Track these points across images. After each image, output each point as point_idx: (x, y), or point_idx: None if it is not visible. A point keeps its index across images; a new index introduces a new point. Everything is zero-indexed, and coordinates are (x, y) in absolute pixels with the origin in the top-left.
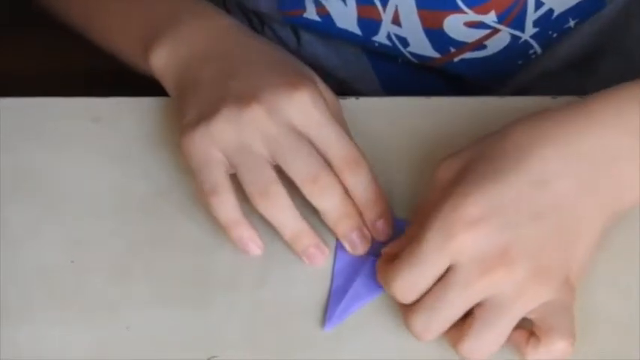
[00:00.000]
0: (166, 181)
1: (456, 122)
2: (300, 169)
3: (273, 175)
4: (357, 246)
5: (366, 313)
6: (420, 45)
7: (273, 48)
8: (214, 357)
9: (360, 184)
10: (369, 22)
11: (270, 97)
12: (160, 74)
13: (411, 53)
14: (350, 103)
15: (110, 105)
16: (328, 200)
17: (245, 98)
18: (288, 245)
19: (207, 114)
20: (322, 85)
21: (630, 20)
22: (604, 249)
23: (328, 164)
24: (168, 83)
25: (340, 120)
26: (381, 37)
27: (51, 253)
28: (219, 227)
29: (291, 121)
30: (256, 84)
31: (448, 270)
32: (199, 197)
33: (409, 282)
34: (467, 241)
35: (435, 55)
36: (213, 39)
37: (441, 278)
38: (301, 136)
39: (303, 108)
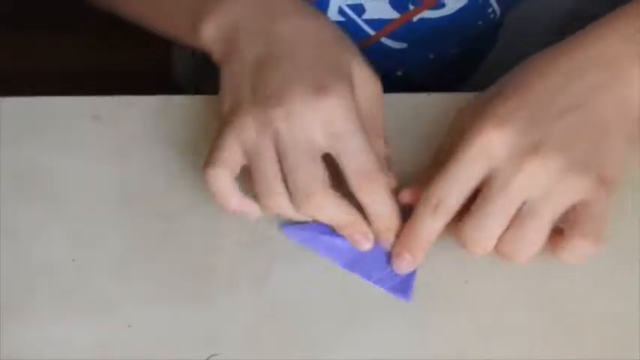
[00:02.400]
0: (167, 179)
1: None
2: (297, 183)
3: (278, 183)
4: (360, 244)
5: (366, 313)
6: (378, 8)
7: (319, 23)
8: (214, 355)
9: (374, 202)
10: (316, 4)
11: (295, 101)
12: (209, 49)
13: (367, 21)
14: None
15: (110, 104)
16: (323, 215)
17: (272, 99)
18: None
19: (236, 104)
20: (360, 74)
21: None
22: (604, 249)
23: (344, 177)
24: (215, 56)
25: (375, 114)
26: (331, 15)
27: (52, 251)
28: (219, 227)
29: (307, 130)
30: (285, 79)
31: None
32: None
33: (451, 194)
34: (496, 139)
35: (394, 14)
36: (261, 13)
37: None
38: (313, 147)
39: (326, 117)
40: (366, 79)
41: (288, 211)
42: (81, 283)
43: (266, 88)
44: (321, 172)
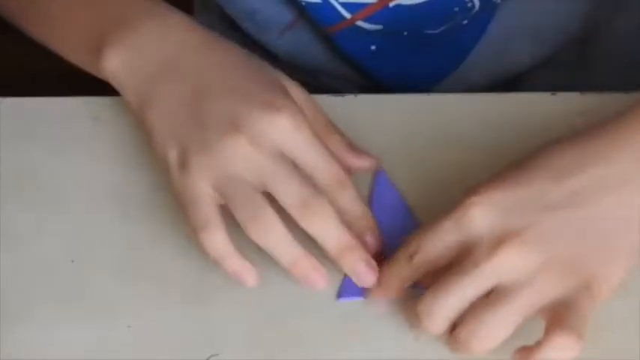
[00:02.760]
0: (165, 180)
1: (455, 119)
2: (289, 194)
3: (262, 201)
4: (364, 279)
5: (366, 313)
6: None
7: (235, 51)
8: (214, 356)
9: (347, 203)
10: None
11: (252, 124)
12: (117, 84)
13: (343, 4)
14: (349, 100)
15: (109, 104)
16: (323, 228)
17: (226, 128)
18: (286, 272)
19: (193, 148)
20: (291, 87)
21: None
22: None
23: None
24: (126, 95)
25: (318, 116)
26: None
27: (51, 252)
28: None
29: (275, 147)
30: (233, 107)
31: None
32: (190, 234)
33: (428, 248)
34: (478, 215)
35: None
36: (171, 45)
37: None
38: (287, 161)
39: (286, 132)
40: (291, 85)
41: (282, 237)
42: (80, 284)
43: (215, 121)
44: (309, 182)
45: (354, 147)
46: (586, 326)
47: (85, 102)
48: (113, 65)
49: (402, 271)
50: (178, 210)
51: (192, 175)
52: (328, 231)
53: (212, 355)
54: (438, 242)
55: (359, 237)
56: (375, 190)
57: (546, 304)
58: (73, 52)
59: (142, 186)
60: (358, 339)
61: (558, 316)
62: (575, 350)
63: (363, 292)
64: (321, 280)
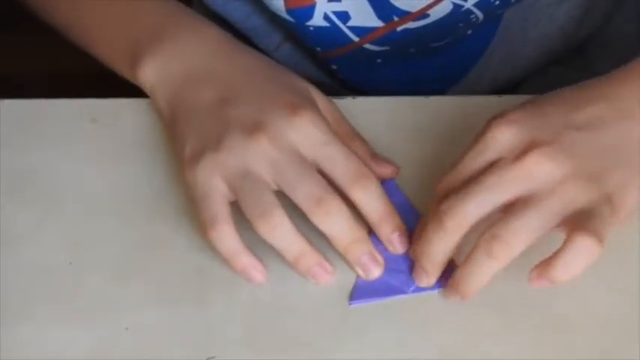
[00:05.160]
0: (165, 181)
1: (456, 121)
2: (304, 192)
3: (272, 198)
4: (370, 270)
5: (367, 313)
6: (363, 16)
7: (264, 61)
8: (212, 357)
9: (370, 198)
10: (301, 11)
11: (273, 124)
12: (150, 91)
13: (351, 28)
14: (347, 103)
15: (108, 106)
16: (334, 224)
17: (248, 128)
18: (292, 268)
19: (211, 145)
20: (317, 95)
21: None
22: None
23: (336, 184)
24: (159, 102)
25: (342, 123)
26: (316, 21)
27: (49, 254)
28: None
29: (294, 146)
30: (257, 110)
31: None
32: (200, 228)
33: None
34: (503, 130)
35: (379, 23)
36: (203, 55)
37: None
38: (305, 161)
39: (306, 131)
40: (320, 96)
41: (289, 233)
42: (78, 286)
43: (238, 122)
44: (323, 181)
45: (376, 154)
46: (607, 232)
47: (84, 103)
48: (148, 75)
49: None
50: (177, 211)
51: (206, 169)
52: (339, 228)
53: (210, 357)
54: (468, 169)
55: (386, 238)
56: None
57: (569, 214)
58: (111, 60)
59: (141, 187)
60: (358, 339)
61: (580, 222)
62: (595, 254)
63: (373, 295)
64: (326, 275)
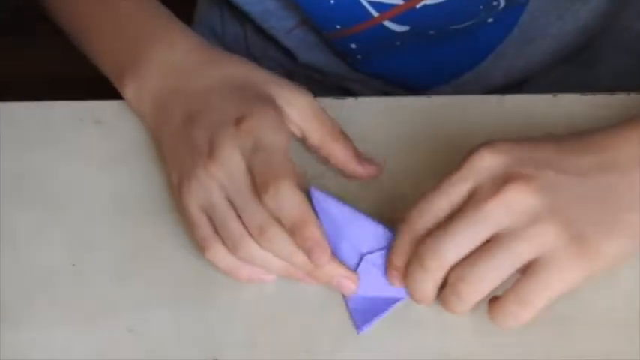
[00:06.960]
0: (166, 182)
1: (456, 121)
2: (248, 220)
3: (238, 226)
4: (346, 288)
5: None
6: None
7: (232, 69)
8: (215, 358)
9: (278, 205)
10: None
11: (220, 146)
12: (135, 110)
13: (371, 3)
14: (348, 103)
15: (111, 108)
16: (279, 251)
17: (205, 153)
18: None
19: (185, 173)
20: (292, 97)
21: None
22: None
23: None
24: (144, 120)
25: (325, 124)
26: None
27: (52, 256)
28: None
29: (240, 167)
30: (210, 130)
31: None
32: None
33: (430, 208)
34: (488, 157)
35: (399, 0)
36: (170, 75)
37: None
38: (250, 184)
39: (250, 152)
40: (291, 95)
41: (259, 256)
42: (81, 288)
43: (198, 146)
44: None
45: (359, 154)
46: (545, 301)
47: (87, 105)
48: (130, 95)
49: (417, 227)
50: (179, 212)
51: (185, 199)
52: (283, 253)
53: (213, 358)
54: (448, 198)
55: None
56: (316, 207)
57: (532, 258)
58: (106, 74)
59: (142, 189)
60: (358, 339)
61: (527, 278)
62: (521, 320)
63: (376, 313)
64: (305, 278)
